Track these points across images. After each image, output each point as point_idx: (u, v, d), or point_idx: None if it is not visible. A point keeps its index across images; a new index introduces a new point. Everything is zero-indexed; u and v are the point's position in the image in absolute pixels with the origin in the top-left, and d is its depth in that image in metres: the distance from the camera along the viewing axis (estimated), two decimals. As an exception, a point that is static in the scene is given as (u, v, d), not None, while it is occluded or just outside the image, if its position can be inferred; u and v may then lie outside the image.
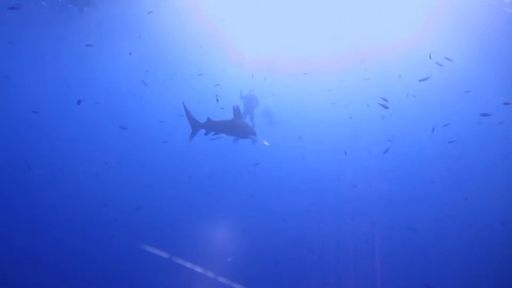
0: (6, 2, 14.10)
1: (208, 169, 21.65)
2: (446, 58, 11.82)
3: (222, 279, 12.53)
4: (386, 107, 9.86)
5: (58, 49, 21.57)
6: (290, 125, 21.01)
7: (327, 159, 23.54)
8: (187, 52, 21.13)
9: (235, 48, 20.71)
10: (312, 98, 26.98)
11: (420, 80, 10.74)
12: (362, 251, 14.54)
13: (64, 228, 13.91)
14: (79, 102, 10.58)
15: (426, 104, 23.69)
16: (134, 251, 13.21)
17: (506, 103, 12.10)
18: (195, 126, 7.56)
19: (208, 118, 7.50)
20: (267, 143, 7.29)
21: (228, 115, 7.68)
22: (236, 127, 7.62)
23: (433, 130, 12.64)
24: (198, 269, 12.72)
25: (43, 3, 15.44)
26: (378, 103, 10.06)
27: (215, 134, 7.58)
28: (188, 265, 12.87)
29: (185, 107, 7.56)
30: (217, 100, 11.67)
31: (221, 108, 10.62)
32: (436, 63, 11.61)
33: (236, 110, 7.45)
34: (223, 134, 7.67)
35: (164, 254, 13.40)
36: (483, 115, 10.72)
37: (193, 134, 7.58)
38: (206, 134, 7.56)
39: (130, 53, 16.29)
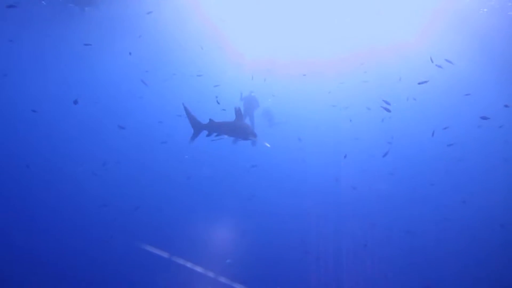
0: (5, 0, 14.02)
1: (207, 170, 21.62)
2: (446, 60, 11.81)
3: (221, 280, 12.53)
4: (388, 110, 9.85)
5: (58, 49, 21.55)
6: (290, 126, 20.99)
7: (326, 161, 23.54)
8: (187, 52, 21.11)
9: (235, 49, 20.68)
10: (312, 99, 26.99)
11: (419, 83, 10.74)
12: (362, 253, 14.56)
13: (64, 228, 13.92)
14: (75, 102, 10.51)
15: (426, 107, 23.71)
16: (133, 251, 13.21)
17: (506, 106, 12.14)
18: (197, 127, 7.45)
19: (210, 120, 7.45)
20: (268, 145, 7.27)
21: (229, 117, 7.65)
22: (238, 129, 7.57)
23: (433, 134, 12.62)
24: (197, 270, 12.71)
25: (42, 2, 15.40)
26: (381, 106, 10.05)
27: (217, 135, 7.54)
28: (188, 265, 12.86)
29: (186, 108, 7.45)
30: (218, 102, 11.64)
31: (223, 110, 10.59)
32: (437, 65, 11.60)
33: (238, 112, 7.42)
34: (225, 136, 7.64)
35: (164, 255, 13.39)
36: (483, 118, 10.70)
37: (195, 135, 7.44)
38: (208, 135, 7.50)
39: (130, 53, 16.27)
